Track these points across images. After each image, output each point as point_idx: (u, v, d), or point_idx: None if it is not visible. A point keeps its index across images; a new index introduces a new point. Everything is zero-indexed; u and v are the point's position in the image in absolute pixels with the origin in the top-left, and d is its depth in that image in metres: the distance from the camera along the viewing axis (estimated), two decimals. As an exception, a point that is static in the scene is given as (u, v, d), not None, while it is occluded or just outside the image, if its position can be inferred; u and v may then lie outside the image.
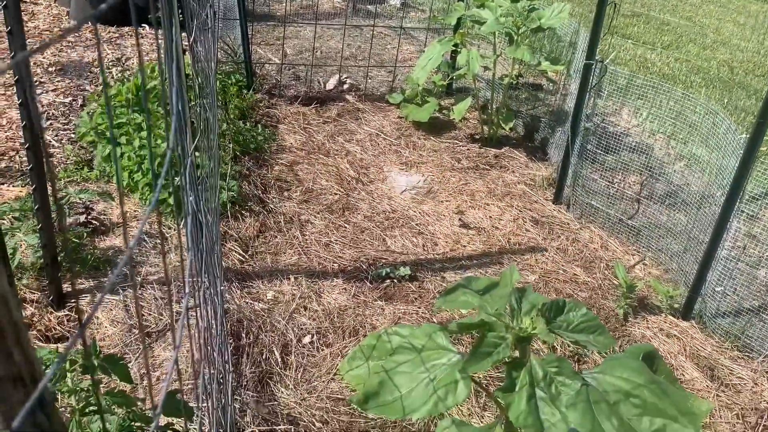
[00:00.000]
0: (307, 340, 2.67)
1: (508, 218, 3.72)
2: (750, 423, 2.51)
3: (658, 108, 4.78)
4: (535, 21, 4.09)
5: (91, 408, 1.55)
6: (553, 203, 3.95)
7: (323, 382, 2.49)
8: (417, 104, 4.77)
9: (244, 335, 2.61)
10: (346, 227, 3.48)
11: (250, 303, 2.80)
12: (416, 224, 3.57)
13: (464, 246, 3.44)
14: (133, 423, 1.62)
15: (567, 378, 1.40)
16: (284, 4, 6.61)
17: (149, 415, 1.71)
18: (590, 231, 3.73)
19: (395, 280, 3.10)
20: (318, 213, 3.56)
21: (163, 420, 1.80)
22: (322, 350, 2.63)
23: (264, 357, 2.54)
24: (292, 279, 3.00)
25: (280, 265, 3.09)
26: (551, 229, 3.69)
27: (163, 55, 1.56)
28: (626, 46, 7.36)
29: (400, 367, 1.55)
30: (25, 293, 2.62)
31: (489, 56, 4.41)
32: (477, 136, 4.67)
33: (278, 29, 6.20)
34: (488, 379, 2.57)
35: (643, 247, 3.59)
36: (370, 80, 5.39)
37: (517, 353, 1.52)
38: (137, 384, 2.28)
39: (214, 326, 2.40)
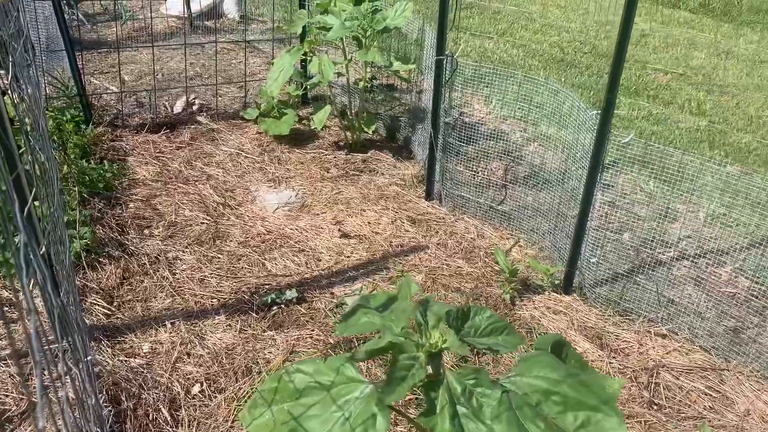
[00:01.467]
0: (196, 389, 2.44)
1: (386, 221, 3.67)
2: (643, 383, 2.64)
3: (504, 93, 4.96)
4: (381, 22, 4.08)
5: None
6: (426, 200, 3.96)
7: None
8: (275, 117, 4.61)
9: (124, 398, 2.34)
10: (219, 257, 3.26)
11: (125, 360, 2.52)
12: (295, 242, 3.43)
13: (348, 257, 3.34)
14: None
15: (486, 388, 1.35)
16: (114, 29, 6.16)
17: None
18: (465, 222, 3.78)
19: (283, 306, 2.94)
20: (186, 247, 3.31)
21: None
22: (215, 397, 2.42)
23: (151, 418, 2.28)
24: (169, 325, 2.75)
25: (152, 312, 2.82)
26: (429, 225, 3.69)
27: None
28: (465, 38, 7.64)
29: (311, 410, 1.42)
30: None
31: (340, 62, 4.35)
32: (342, 143, 4.59)
33: (112, 55, 5.76)
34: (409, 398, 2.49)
35: (516, 229, 3.69)
36: (220, 98, 5.14)
37: (430, 369, 1.44)
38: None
39: (85, 395, 2.12)
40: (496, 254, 3.26)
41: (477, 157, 4.15)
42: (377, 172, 4.25)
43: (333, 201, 3.84)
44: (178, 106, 4.95)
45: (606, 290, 3.14)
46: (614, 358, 2.78)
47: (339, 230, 3.54)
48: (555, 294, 3.20)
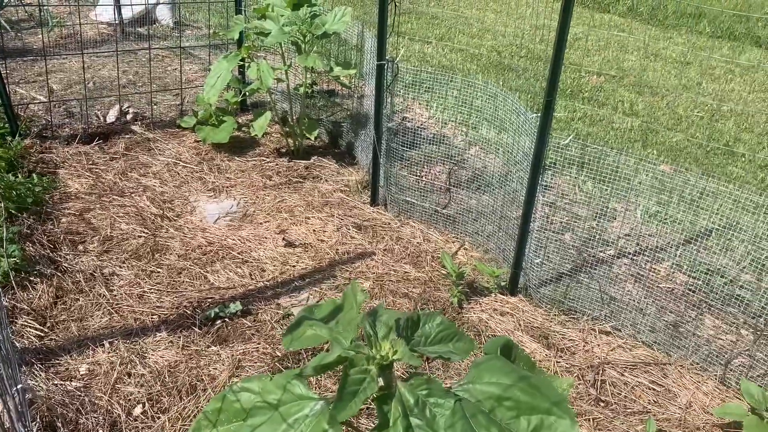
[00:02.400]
0: (138, 411, 2.34)
1: (331, 228, 3.63)
2: (589, 381, 2.68)
3: (445, 98, 5.00)
4: (320, 27, 4.04)
5: None
6: (371, 206, 3.94)
7: (167, 454, 2.19)
8: (213, 125, 4.50)
9: (60, 425, 2.21)
10: (159, 272, 3.15)
11: (61, 384, 2.39)
12: (238, 253, 3.34)
13: (293, 266, 3.28)
14: None
15: (439, 398, 1.33)
16: (41, 36, 5.90)
17: None
18: (410, 227, 3.77)
19: (227, 319, 2.85)
20: (123, 262, 3.18)
21: None
22: (159, 418, 2.32)
23: (90, 445, 2.17)
24: (107, 344, 2.62)
25: (89, 331, 2.69)
26: (375, 231, 3.67)
27: None
28: (405, 43, 7.68)
29: (259, 430, 1.36)
30: None
31: (280, 67, 4.28)
32: (283, 150, 4.52)
33: (38, 64, 5.51)
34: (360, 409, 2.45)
35: (461, 232, 3.71)
36: (156, 106, 4.99)
37: (382, 382, 1.41)
38: None
39: (16, 424, 1.99)
40: (443, 258, 3.26)
41: (420, 161, 4.16)
42: (321, 179, 4.20)
43: (276, 209, 3.77)
44: (111, 116, 4.77)
45: (550, 290, 3.18)
46: (561, 357, 2.81)
47: (283, 239, 3.47)
48: (501, 296, 3.22)
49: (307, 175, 4.23)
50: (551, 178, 4.09)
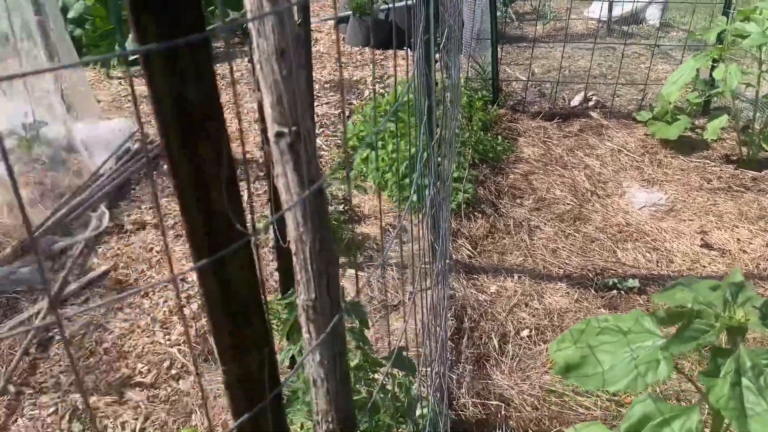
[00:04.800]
0: (525, 333, 2.80)
1: (759, 242, 3.42)
2: None
3: None
4: (811, 32, 3.72)
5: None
6: (820, 232, 3.53)
7: (537, 373, 2.60)
8: (666, 122, 4.60)
9: (466, 320, 2.84)
10: (575, 236, 3.53)
11: (474, 293, 3.02)
12: (651, 240, 3.48)
13: (704, 266, 3.26)
14: (365, 363, 1.92)
15: (779, 372, 1.37)
16: (535, 26, 6.80)
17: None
18: None
19: (622, 291, 3.08)
20: (548, 221, 3.67)
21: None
22: (539, 345, 2.74)
23: (482, 341, 2.73)
24: (516, 277, 3.15)
25: (505, 263, 3.27)
26: (813, 259, 3.32)
27: (414, 74, 1.86)
28: None
29: (604, 346, 1.63)
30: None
31: (752, 71, 4.10)
32: (733, 157, 4.34)
33: (528, 51, 6.40)
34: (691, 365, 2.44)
35: None
36: (617, 98, 5.31)
37: (724, 343, 1.51)
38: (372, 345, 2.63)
39: (440, 306, 2.66)
40: None
41: None
42: (766, 192, 3.92)
43: (704, 211, 3.73)
44: (576, 100, 5.29)
45: None
46: None
47: (702, 240, 3.45)
48: None
49: (751, 186, 4.00)
50: None
